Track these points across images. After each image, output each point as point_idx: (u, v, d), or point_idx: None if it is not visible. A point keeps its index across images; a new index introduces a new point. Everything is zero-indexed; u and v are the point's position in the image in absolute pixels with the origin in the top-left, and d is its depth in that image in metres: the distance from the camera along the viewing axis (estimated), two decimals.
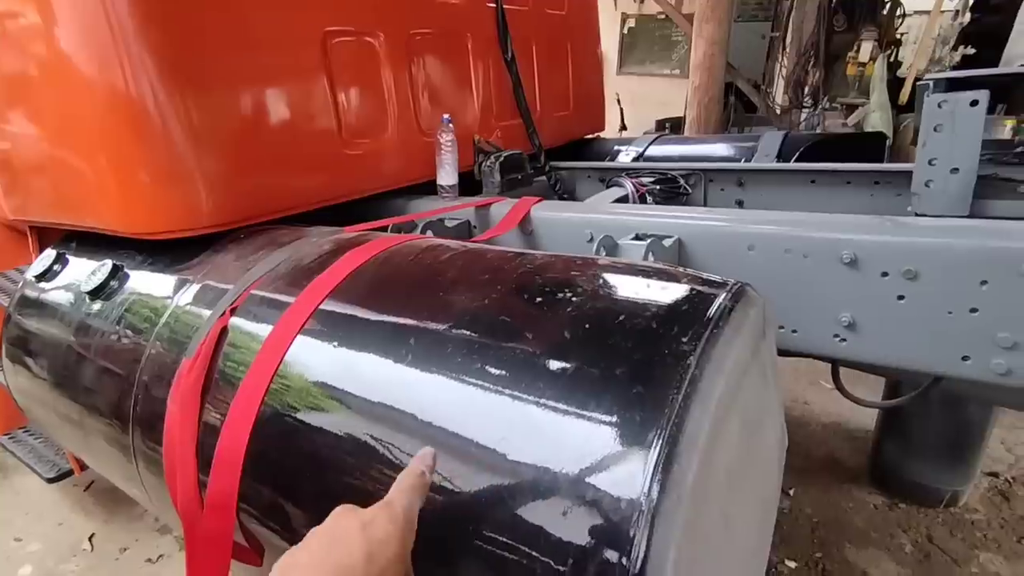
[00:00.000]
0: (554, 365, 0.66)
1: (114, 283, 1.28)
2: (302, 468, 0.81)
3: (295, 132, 1.48)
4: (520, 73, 2.16)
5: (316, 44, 1.50)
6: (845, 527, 1.98)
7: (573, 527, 0.57)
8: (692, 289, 0.73)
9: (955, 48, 4.48)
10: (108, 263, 1.30)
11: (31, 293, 1.48)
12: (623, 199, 1.83)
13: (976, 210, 1.30)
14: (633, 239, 1.19)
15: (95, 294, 1.26)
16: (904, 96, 4.38)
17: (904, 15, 4.85)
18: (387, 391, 0.76)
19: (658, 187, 1.92)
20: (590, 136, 2.92)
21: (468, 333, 0.75)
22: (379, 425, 0.75)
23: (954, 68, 4.27)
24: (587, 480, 0.57)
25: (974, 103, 1.22)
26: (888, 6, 4.71)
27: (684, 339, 0.64)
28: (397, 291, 0.93)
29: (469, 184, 1.88)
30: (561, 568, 0.56)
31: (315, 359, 0.86)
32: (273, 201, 1.45)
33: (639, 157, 2.54)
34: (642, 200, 1.87)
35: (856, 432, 2.47)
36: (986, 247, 0.92)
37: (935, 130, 1.27)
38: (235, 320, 0.98)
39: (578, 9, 2.64)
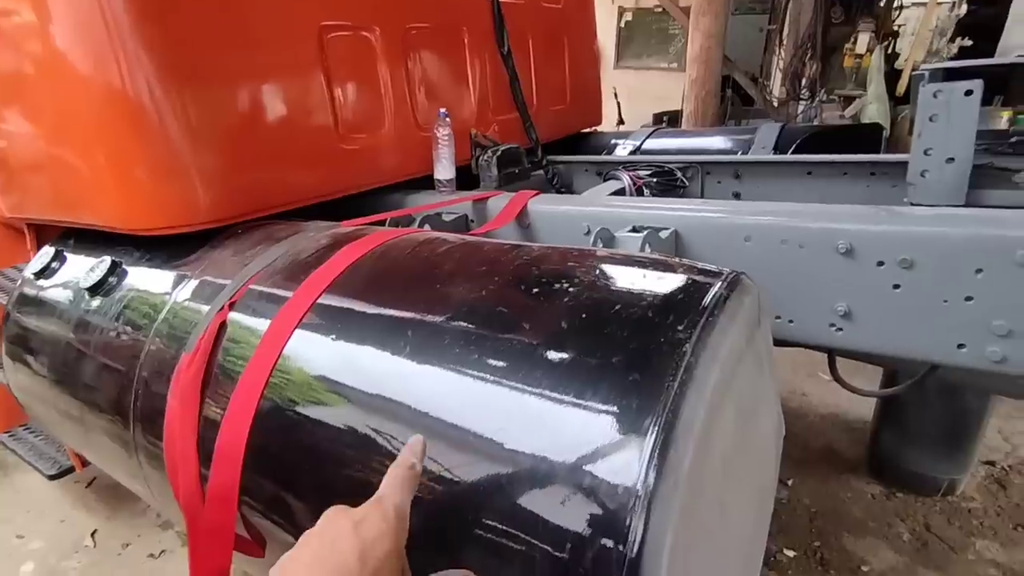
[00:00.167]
0: (551, 355, 0.67)
1: (113, 279, 1.28)
2: (302, 460, 0.82)
3: (292, 127, 1.48)
4: (517, 67, 2.15)
5: (312, 39, 1.50)
6: (843, 516, 2.00)
7: (571, 514, 0.58)
8: (688, 278, 0.74)
9: (952, 40, 4.49)
10: (106, 259, 1.30)
11: (30, 291, 1.48)
12: (620, 192, 1.83)
13: (972, 199, 1.30)
14: (630, 231, 1.20)
15: (94, 290, 1.26)
16: (901, 87, 4.38)
17: (901, 7, 4.85)
18: (385, 383, 0.77)
19: (655, 180, 1.92)
20: (587, 130, 2.92)
21: (465, 324, 0.76)
22: (378, 417, 0.76)
23: (951, 59, 4.27)
24: (584, 468, 0.58)
25: (969, 93, 1.22)
26: None
27: (680, 327, 0.64)
28: (394, 284, 0.94)
29: (466, 178, 1.88)
30: (559, 555, 0.57)
31: (314, 352, 0.86)
32: (270, 196, 1.45)
33: (636, 150, 2.54)
34: (639, 193, 1.87)
35: (854, 423, 2.48)
36: (981, 236, 0.92)
37: (930, 120, 1.27)
38: (234, 315, 0.99)
39: (574, 3, 2.63)
